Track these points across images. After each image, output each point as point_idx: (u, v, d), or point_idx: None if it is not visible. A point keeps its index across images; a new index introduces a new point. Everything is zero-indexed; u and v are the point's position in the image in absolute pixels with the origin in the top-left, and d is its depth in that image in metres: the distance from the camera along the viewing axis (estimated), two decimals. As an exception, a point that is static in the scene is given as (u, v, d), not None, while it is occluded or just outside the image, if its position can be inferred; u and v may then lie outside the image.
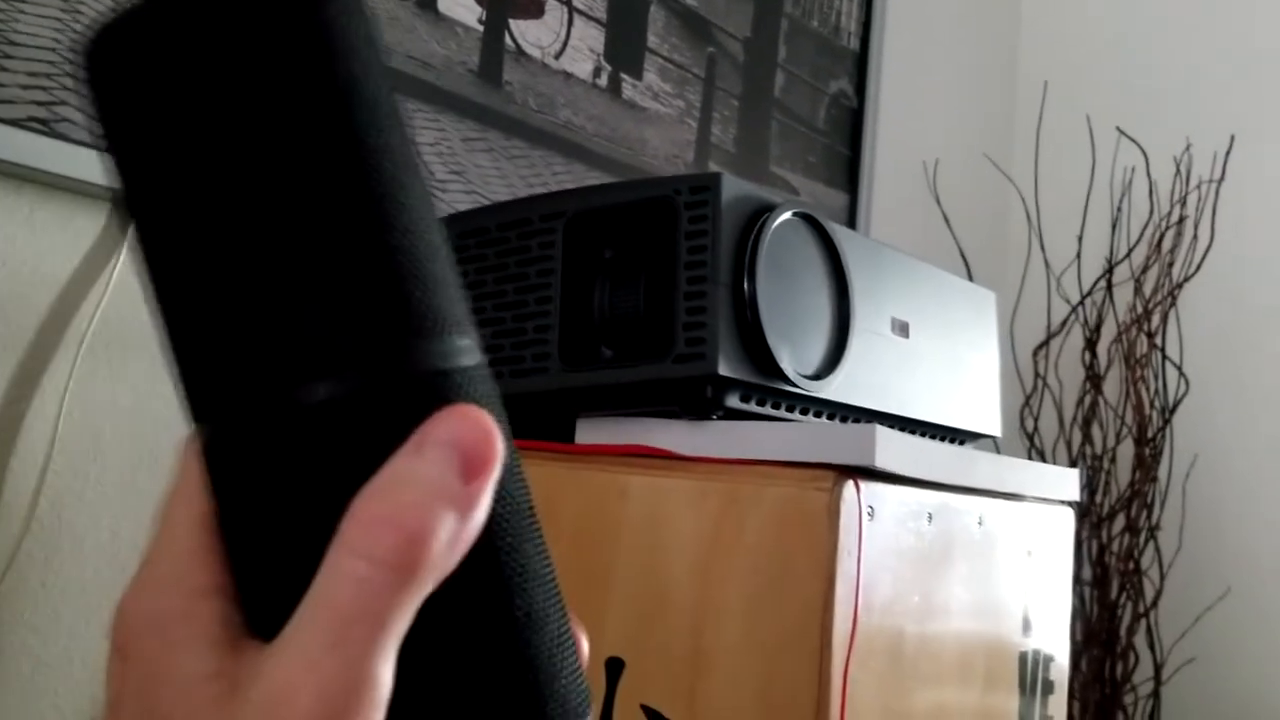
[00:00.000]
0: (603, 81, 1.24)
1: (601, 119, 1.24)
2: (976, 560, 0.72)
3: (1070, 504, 0.82)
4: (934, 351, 0.78)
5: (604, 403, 0.67)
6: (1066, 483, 0.80)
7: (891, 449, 0.60)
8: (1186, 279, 1.64)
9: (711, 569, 0.61)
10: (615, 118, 1.26)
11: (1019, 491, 0.75)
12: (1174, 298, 1.64)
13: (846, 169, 1.66)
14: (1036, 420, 1.68)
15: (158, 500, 0.82)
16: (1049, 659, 0.80)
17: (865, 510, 0.60)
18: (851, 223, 1.63)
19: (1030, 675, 0.77)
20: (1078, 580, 1.60)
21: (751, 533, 0.60)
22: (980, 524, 0.72)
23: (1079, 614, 1.61)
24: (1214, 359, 1.69)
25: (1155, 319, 1.65)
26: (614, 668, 0.64)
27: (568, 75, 1.20)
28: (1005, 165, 1.87)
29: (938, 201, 1.73)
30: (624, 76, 1.27)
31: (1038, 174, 1.83)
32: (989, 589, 0.74)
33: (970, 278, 1.70)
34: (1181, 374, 1.65)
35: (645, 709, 0.62)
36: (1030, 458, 1.64)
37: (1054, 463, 1.67)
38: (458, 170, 1.06)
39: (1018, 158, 1.88)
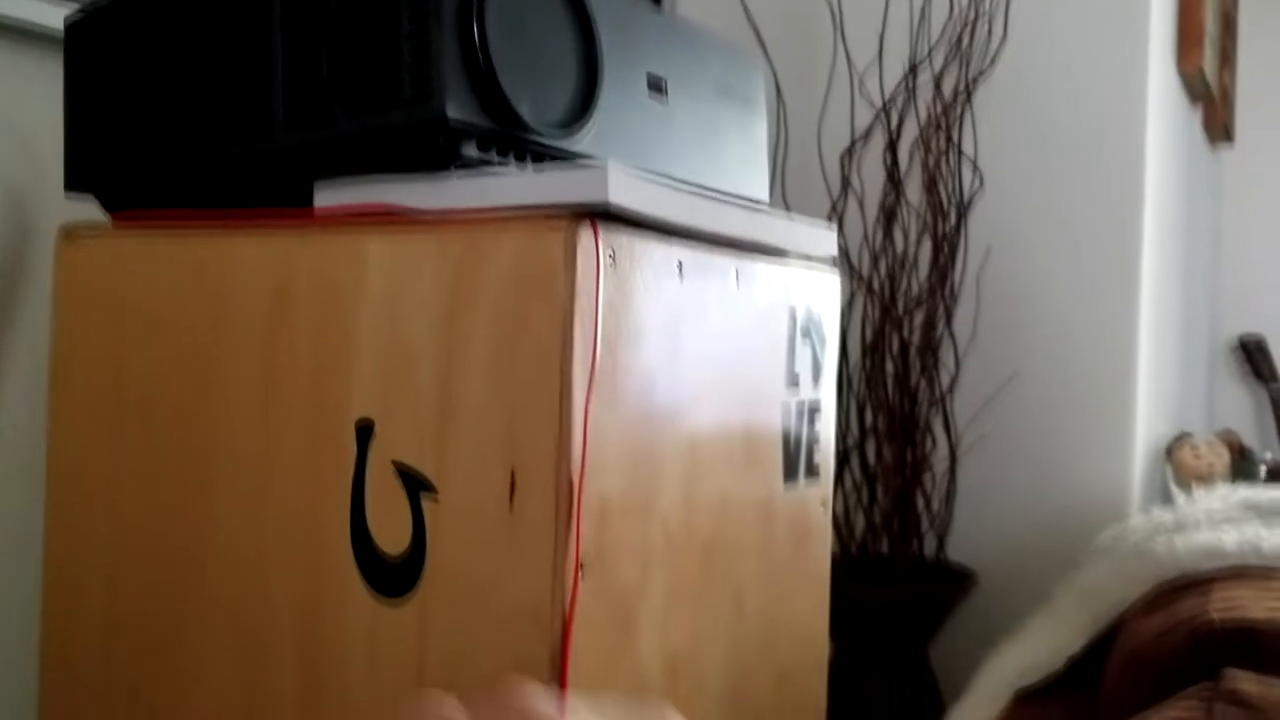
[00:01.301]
0: None
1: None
2: (734, 314, 0.73)
3: (833, 262, 0.84)
4: (695, 113, 0.77)
5: (340, 164, 0.64)
6: (824, 239, 0.81)
7: (628, 188, 0.59)
8: (980, 76, 1.67)
9: (455, 323, 0.60)
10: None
11: (773, 244, 0.76)
12: (969, 95, 1.68)
13: (649, -31, 1.61)
14: (842, 222, 1.72)
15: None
16: (815, 410, 0.83)
17: (605, 254, 0.59)
18: (655, 26, 1.59)
19: (795, 423, 0.80)
20: (881, 373, 1.67)
21: (492, 282, 0.59)
22: (737, 278, 0.73)
23: (883, 406, 1.69)
24: (1006, 154, 1.75)
25: (954, 118, 1.69)
26: (364, 431, 0.63)
27: None
28: (811, -33, 1.85)
29: (743, 3, 1.70)
30: None
31: (841, -26, 1.81)
32: (749, 342, 0.76)
33: (777, 82, 1.70)
34: (976, 170, 1.70)
35: (396, 465, 0.61)
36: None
37: (859, 265, 1.72)
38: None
39: (823, -42, 1.85)
